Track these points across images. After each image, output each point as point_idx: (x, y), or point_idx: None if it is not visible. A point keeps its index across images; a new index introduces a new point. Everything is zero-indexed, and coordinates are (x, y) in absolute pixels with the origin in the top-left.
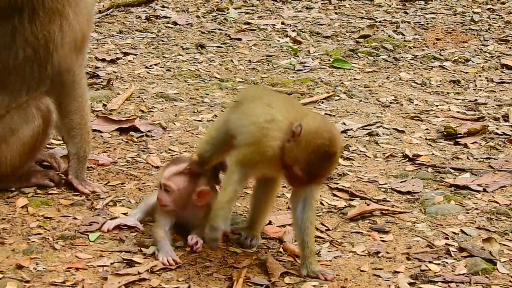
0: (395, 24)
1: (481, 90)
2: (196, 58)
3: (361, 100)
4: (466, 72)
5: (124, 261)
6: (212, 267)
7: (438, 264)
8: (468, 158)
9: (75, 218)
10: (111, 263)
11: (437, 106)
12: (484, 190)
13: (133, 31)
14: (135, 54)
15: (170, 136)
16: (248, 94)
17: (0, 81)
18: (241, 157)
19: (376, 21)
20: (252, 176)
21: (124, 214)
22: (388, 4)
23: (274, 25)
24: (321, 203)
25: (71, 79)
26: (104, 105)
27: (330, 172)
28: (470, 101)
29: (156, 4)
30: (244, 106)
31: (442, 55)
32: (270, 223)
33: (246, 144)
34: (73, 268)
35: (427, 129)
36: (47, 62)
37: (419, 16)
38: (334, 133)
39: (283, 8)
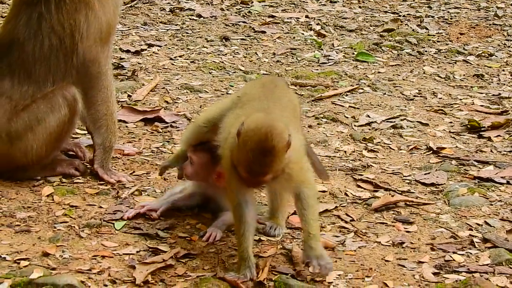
0: (419, 19)
1: (504, 84)
2: (221, 50)
3: (385, 93)
4: (490, 67)
5: (150, 249)
6: (237, 255)
7: (462, 254)
8: (491, 151)
9: (100, 207)
10: (137, 251)
11: (461, 99)
12: (508, 183)
13: (157, 23)
14: (160, 46)
15: None
16: (246, 92)
17: (26, 70)
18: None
19: (400, 15)
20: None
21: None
22: None
23: (298, 18)
24: (346, 194)
25: (96, 70)
26: (129, 96)
27: (275, 168)
28: (493, 95)
29: None
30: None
31: (466, 50)
32: (294, 213)
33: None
34: (99, 256)
35: (451, 122)
36: (72, 52)
37: (442, 10)
38: (273, 128)
39: (307, 2)
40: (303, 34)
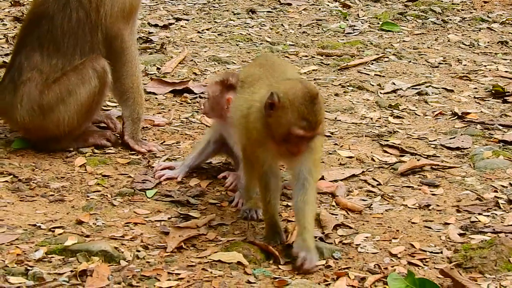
0: None
1: None
2: (247, 23)
3: (410, 61)
4: None
5: (181, 216)
6: (264, 222)
7: (488, 215)
8: None
9: (131, 176)
10: (168, 218)
11: (485, 66)
12: None
13: None
14: (187, 20)
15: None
16: (247, 75)
17: (55, 43)
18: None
19: None
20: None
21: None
22: None
23: None
24: (372, 159)
25: (120, 45)
26: (158, 69)
27: (323, 116)
28: None
29: None
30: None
31: (490, 17)
32: (322, 178)
33: (241, 136)
34: (132, 223)
35: (475, 88)
36: (97, 26)
37: None
38: (307, 82)
39: None
40: (328, 5)
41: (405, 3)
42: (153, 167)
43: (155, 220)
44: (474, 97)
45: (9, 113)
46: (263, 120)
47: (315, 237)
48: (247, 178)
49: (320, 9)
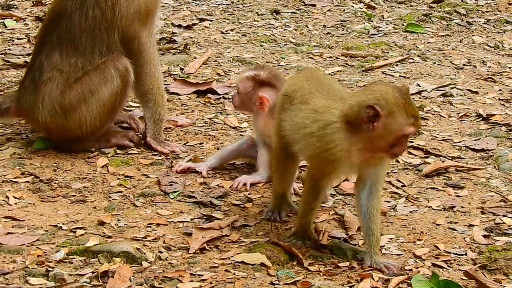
0: None
1: None
2: (271, 24)
3: (434, 63)
4: None
5: (204, 217)
6: (290, 222)
7: None
8: None
9: (153, 177)
10: (191, 219)
11: (510, 68)
12: None
13: None
14: (211, 20)
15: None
16: (295, 89)
17: (73, 42)
18: (314, 173)
19: None
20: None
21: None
22: None
23: None
24: (397, 161)
25: (136, 47)
26: (181, 69)
27: None
28: None
29: None
30: (293, 110)
31: None
32: (346, 179)
33: (312, 156)
34: (154, 224)
35: (500, 90)
36: (114, 26)
37: None
38: (381, 82)
39: None
40: (353, 6)
41: (430, 4)
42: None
43: (178, 221)
44: (499, 99)
45: (30, 114)
46: (352, 137)
47: (339, 238)
48: (277, 183)
49: (344, 10)
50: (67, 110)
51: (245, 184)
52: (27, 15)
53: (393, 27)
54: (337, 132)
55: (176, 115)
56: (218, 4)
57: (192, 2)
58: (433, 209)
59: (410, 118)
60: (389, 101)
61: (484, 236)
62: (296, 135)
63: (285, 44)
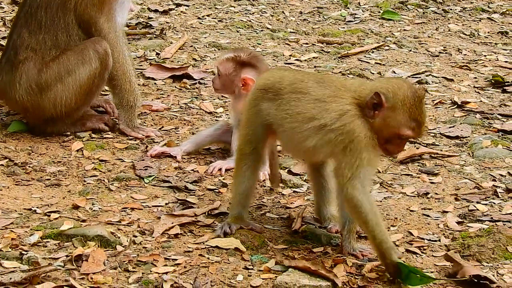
0: None
1: None
2: (248, 10)
3: (410, 50)
4: None
5: (178, 202)
6: (263, 207)
7: (486, 204)
8: None
9: (128, 161)
10: (166, 204)
11: (485, 56)
12: None
13: None
14: (187, 5)
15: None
16: (283, 82)
17: (35, 19)
18: (351, 171)
19: None
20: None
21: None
22: None
23: None
24: None
25: (94, 33)
26: (157, 54)
27: None
28: None
29: None
30: (287, 101)
31: (491, 8)
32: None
33: (337, 154)
34: (129, 208)
35: (475, 77)
36: (67, 10)
37: None
38: (405, 79)
39: None
40: None
41: None
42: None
43: (152, 206)
44: (474, 87)
45: (8, 93)
46: (368, 124)
47: (314, 225)
48: (236, 189)
49: None
50: (43, 89)
51: (220, 169)
52: None
53: (370, 14)
54: (355, 119)
55: (152, 99)
56: None
57: None
58: (407, 195)
59: (411, 121)
60: (397, 96)
61: (458, 223)
62: (303, 128)
63: (261, 30)
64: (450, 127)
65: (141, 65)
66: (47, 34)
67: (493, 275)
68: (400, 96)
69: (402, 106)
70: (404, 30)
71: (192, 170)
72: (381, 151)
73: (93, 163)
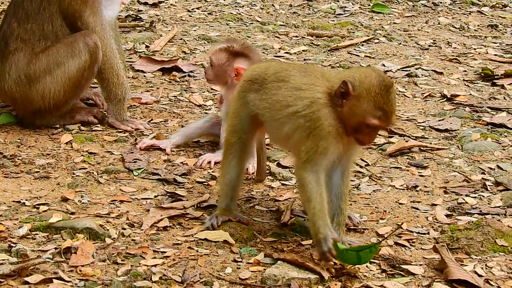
0: None
1: None
2: (238, 2)
3: (400, 43)
4: (504, 17)
5: (168, 194)
6: (252, 199)
7: (475, 197)
8: (504, 98)
9: (117, 154)
10: (155, 196)
11: (475, 49)
12: None
13: None
14: None
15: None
16: (268, 72)
17: (23, 8)
18: (306, 155)
19: None
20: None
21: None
22: None
23: None
24: None
25: (80, 27)
26: (147, 47)
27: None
28: (507, 44)
29: None
30: (269, 90)
31: (480, 1)
32: None
33: (302, 139)
34: (118, 200)
35: (465, 71)
36: (51, 2)
37: None
38: (379, 70)
39: None
40: None
41: None
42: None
43: (141, 198)
44: (464, 80)
45: None
46: (335, 113)
47: (303, 217)
48: (222, 180)
49: None
50: (32, 80)
51: (209, 162)
52: None
53: (359, 7)
54: (323, 108)
55: (141, 92)
56: None
57: None
58: (396, 188)
59: (377, 110)
60: (363, 84)
61: (447, 216)
62: (279, 115)
63: (251, 23)
64: (439, 120)
65: (131, 58)
66: (34, 23)
67: (482, 268)
68: (366, 84)
69: (367, 95)
70: (394, 23)
71: (181, 162)
72: (355, 141)
73: (82, 155)
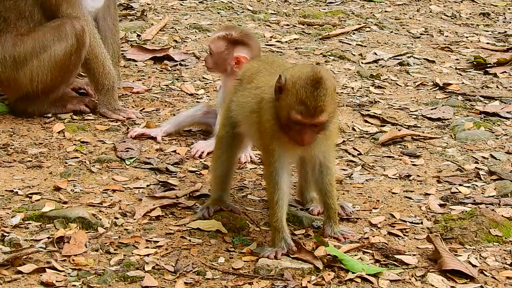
0: None
1: (510, 22)
2: None
3: (392, 32)
4: (496, 5)
5: (160, 183)
6: (245, 189)
7: (468, 187)
8: (497, 86)
9: (109, 143)
10: (147, 185)
11: (467, 37)
12: None
13: None
14: None
15: (203, 65)
16: (245, 72)
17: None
18: (262, 156)
19: None
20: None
21: None
22: None
23: None
24: (353, 129)
25: (60, 16)
26: (138, 36)
27: (328, 104)
28: (499, 32)
29: None
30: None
31: None
32: None
33: (255, 136)
34: (110, 190)
35: (457, 59)
36: None
37: None
38: (318, 67)
39: None
40: None
41: None
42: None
43: (134, 187)
44: (456, 68)
45: None
46: (274, 109)
47: (295, 207)
48: (214, 173)
49: None
50: (18, 63)
51: (202, 153)
52: None
53: None
54: (267, 103)
55: (133, 81)
56: None
57: None
58: (389, 177)
59: (299, 104)
60: (292, 78)
61: (440, 205)
62: (240, 115)
63: (242, 12)
64: (432, 109)
65: (122, 47)
66: (11, 0)
67: (476, 258)
68: (294, 78)
69: (292, 88)
70: (385, 11)
71: (173, 151)
72: (290, 140)
73: (74, 144)
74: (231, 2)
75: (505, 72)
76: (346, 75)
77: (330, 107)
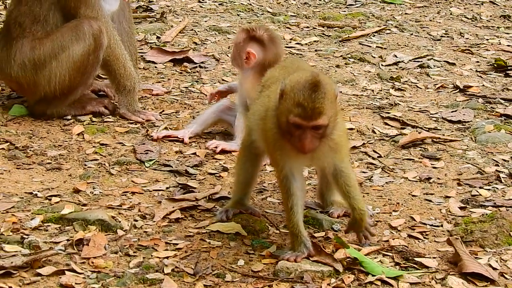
0: None
1: None
2: None
3: (412, 34)
4: None
5: (179, 186)
6: (264, 191)
7: (489, 189)
8: None
9: (129, 145)
10: (167, 188)
11: (487, 40)
12: None
13: None
14: None
15: (223, 67)
16: (268, 77)
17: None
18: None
19: None
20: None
21: None
22: None
23: None
24: (373, 131)
25: (80, 17)
26: (158, 38)
27: (327, 107)
28: None
29: None
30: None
31: None
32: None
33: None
34: (129, 192)
35: (477, 61)
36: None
37: None
38: (318, 72)
39: None
40: None
41: None
42: (151, 136)
43: (153, 190)
44: (476, 71)
45: (4, 69)
46: (275, 117)
47: (315, 209)
48: (237, 185)
49: None
50: (37, 65)
51: (216, 147)
52: None
53: None
54: (271, 112)
55: (152, 83)
56: None
57: None
58: (409, 180)
59: (296, 106)
60: (290, 83)
61: (460, 208)
62: (253, 123)
63: (262, 14)
64: (452, 112)
65: (142, 49)
66: (26, 5)
67: (496, 261)
68: (292, 83)
69: (290, 92)
70: (406, 13)
71: (193, 154)
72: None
73: (93, 147)
74: (250, 4)
75: None
76: (366, 77)
77: (330, 111)
